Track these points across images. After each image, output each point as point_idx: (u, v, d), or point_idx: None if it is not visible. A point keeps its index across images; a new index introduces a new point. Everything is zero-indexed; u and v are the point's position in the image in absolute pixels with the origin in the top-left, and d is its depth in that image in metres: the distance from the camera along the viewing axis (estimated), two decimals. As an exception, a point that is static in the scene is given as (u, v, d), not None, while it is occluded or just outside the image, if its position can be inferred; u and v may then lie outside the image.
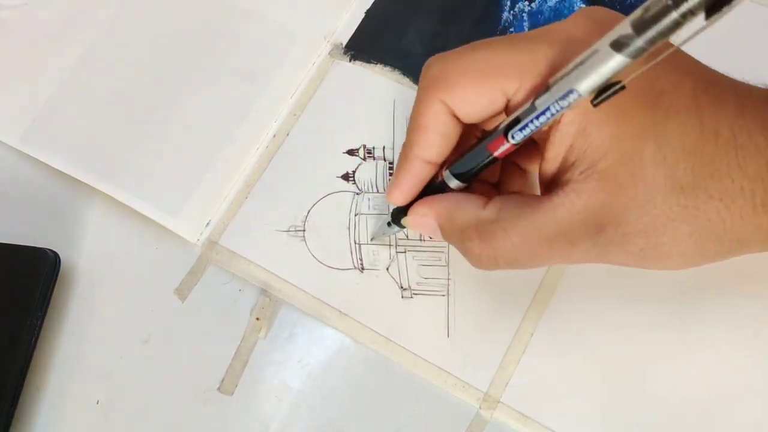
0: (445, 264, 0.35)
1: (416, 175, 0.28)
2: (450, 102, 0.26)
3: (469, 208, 0.27)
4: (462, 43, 0.27)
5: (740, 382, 0.32)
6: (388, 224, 0.32)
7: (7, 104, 0.41)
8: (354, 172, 0.37)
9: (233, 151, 0.38)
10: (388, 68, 0.39)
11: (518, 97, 0.25)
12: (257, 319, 0.35)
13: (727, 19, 0.37)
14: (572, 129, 0.24)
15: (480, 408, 0.33)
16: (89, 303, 0.37)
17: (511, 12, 0.40)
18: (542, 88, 0.24)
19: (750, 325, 0.33)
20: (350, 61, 0.40)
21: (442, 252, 0.35)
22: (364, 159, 0.37)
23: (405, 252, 0.35)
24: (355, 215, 0.36)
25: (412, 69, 0.39)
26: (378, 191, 0.36)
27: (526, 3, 0.40)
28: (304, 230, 0.36)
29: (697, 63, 0.26)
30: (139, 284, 0.37)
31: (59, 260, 0.36)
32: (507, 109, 0.26)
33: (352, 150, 0.37)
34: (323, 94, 0.39)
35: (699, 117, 0.24)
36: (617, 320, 0.33)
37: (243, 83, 0.40)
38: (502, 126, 0.25)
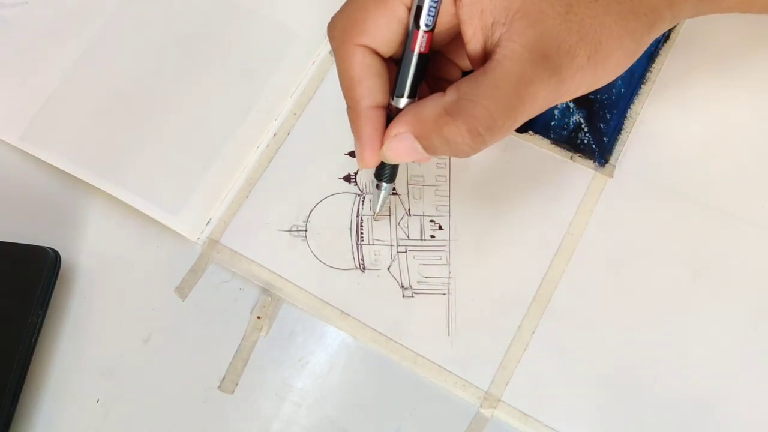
0: (445, 263, 0.35)
1: (375, 123, 0.29)
2: (368, 42, 0.27)
3: (432, 103, 0.27)
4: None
5: (740, 377, 0.32)
6: (377, 186, 0.32)
7: (8, 103, 0.41)
8: (356, 174, 0.37)
9: (234, 149, 0.38)
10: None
11: None
12: (258, 317, 0.35)
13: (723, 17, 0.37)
14: None
15: (480, 407, 0.33)
16: (90, 301, 0.37)
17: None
18: None
19: (748, 319, 0.33)
20: (351, 60, 0.40)
21: (443, 251, 0.35)
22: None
23: (406, 251, 0.35)
24: (357, 216, 0.36)
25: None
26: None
27: None
28: (306, 230, 0.36)
29: None
30: (139, 283, 0.37)
31: (60, 259, 0.36)
32: None
33: (354, 152, 0.37)
34: (324, 94, 0.39)
35: None
36: (618, 319, 0.33)
37: (243, 82, 0.40)
38: (412, 23, 0.27)
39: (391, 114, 0.29)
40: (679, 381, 0.32)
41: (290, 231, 0.36)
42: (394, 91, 0.28)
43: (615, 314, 0.33)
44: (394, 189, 0.36)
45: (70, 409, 0.35)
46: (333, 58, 0.40)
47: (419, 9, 0.26)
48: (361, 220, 0.36)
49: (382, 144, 0.29)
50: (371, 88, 0.28)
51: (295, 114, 0.39)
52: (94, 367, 0.36)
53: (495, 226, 0.36)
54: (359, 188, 0.37)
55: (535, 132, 0.37)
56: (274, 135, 0.39)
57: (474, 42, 0.27)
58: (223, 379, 0.35)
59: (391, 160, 0.29)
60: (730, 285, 0.33)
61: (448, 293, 0.35)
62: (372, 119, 0.29)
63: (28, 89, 0.41)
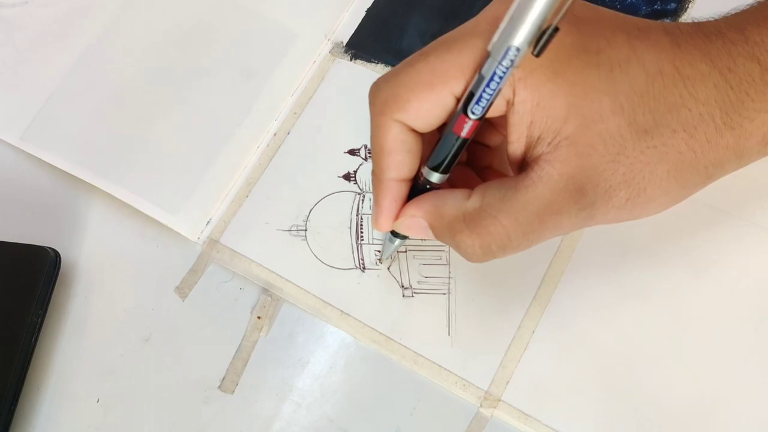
0: (445, 263, 0.35)
1: (396, 195, 0.28)
2: (406, 120, 0.26)
3: (454, 201, 0.27)
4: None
5: (741, 379, 0.32)
6: (390, 240, 0.32)
7: (8, 103, 0.41)
8: (355, 172, 0.37)
9: (234, 149, 0.39)
10: (389, 67, 0.39)
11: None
12: (258, 317, 0.35)
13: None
14: (527, 106, 0.25)
15: (480, 406, 0.33)
16: (90, 301, 0.37)
17: (512, 11, 0.40)
18: (484, 57, 0.24)
19: (750, 321, 0.33)
20: (351, 59, 0.40)
21: (443, 251, 0.35)
22: (366, 159, 0.37)
23: (406, 251, 0.35)
24: (357, 215, 0.36)
25: (412, 68, 0.39)
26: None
27: (527, 2, 0.40)
28: (305, 230, 0.36)
29: (622, 15, 0.27)
30: (139, 282, 0.37)
31: (60, 258, 0.36)
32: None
33: (354, 150, 0.37)
34: (324, 93, 0.39)
35: (641, 62, 0.25)
36: (618, 318, 0.33)
37: (244, 81, 0.40)
38: (460, 106, 0.25)
39: (418, 181, 0.28)
40: (679, 381, 0.32)
41: (290, 230, 0.37)
42: (427, 159, 0.28)
43: (614, 314, 0.33)
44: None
45: (70, 409, 0.35)
46: (333, 58, 0.40)
47: (470, 96, 0.25)
48: (361, 219, 0.36)
49: (397, 216, 0.29)
50: (399, 161, 0.27)
51: (295, 113, 0.39)
52: (94, 367, 0.36)
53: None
54: (359, 187, 0.37)
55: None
56: (274, 134, 0.39)
57: (516, 146, 0.26)
58: (223, 379, 0.35)
59: (402, 233, 0.30)
60: (731, 285, 0.33)
61: (448, 293, 0.35)
62: (392, 191, 0.28)
63: (28, 89, 0.41)
